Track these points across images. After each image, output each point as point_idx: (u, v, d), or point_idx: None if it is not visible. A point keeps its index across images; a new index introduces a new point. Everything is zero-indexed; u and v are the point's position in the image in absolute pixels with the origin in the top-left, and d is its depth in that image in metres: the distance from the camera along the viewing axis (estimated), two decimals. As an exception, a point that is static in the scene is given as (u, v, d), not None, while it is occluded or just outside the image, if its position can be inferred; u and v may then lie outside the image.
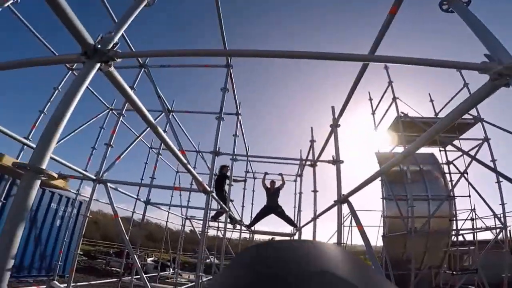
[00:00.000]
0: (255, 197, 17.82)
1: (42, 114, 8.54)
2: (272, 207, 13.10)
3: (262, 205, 13.45)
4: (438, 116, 12.39)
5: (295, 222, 13.67)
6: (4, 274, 1.71)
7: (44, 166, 1.91)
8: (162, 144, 10.44)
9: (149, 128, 9.69)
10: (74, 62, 2.20)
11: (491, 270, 10.86)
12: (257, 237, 20.08)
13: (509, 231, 11.16)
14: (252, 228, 14.62)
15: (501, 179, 10.63)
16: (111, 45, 2.31)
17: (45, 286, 10.05)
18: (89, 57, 2.18)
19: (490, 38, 2.22)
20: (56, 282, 9.83)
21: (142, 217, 11.44)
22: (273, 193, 13.27)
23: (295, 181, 15.86)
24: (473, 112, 11.37)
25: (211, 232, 17.69)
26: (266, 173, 14.06)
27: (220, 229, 15.16)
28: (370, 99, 13.12)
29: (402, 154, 3.53)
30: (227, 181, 11.38)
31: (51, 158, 7.17)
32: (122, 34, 2.66)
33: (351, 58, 2.74)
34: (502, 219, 10.47)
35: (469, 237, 12.52)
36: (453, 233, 11.64)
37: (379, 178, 11.86)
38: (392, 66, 11.17)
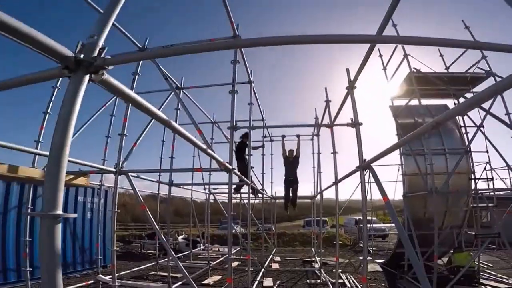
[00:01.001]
0: (274, 160, 17.88)
1: (47, 115, 8.47)
2: (292, 181, 13.19)
3: (282, 168, 13.48)
4: (449, 71, 12.04)
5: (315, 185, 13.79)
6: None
7: (59, 210, 1.80)
8: (178, 118, 10.34)
9: (163, 105, 9.61)
10: (56, 78, 1.86)
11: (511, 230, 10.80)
12: (278, 201, 20.30)
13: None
14: (274, 194, 14.79)
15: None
16: (96, 52, 1.96)
17: (92, 281, 10.34)
18: (72, 70, 1.85)
19: None
20: (102, 276, 10.04)
21: (168, 197, 11.40)
22: (291, 162, 13.23)
23: (312, 140, 15.81)
24: (485, 66, 11.06)
25: (234, 201, 17.84)
26: (283, 136, 13.59)
27: (243, 199, 15.19)
28: (381, 55, 12.73)
29: (429, 124, 3.24)
30: (247, 151, 11.31)
31: (68, 160, 7.15)
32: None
33: (360, 40, 2.52)
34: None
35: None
36: (473, 193, 11.39)
37: (396, 133, 11.74)
38: (400, 23, 10.94)
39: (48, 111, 8.54)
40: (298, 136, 13.42)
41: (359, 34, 2.42)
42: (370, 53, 4.60)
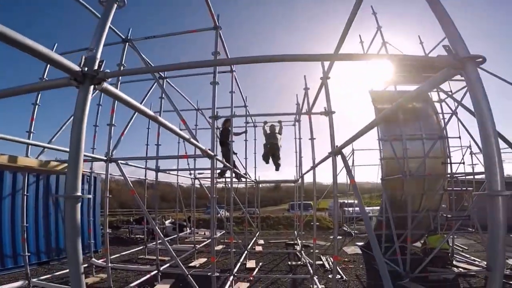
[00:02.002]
0: (257, 146, 17.91)
1: (36, 106, 8.67)
2: (273, 144, 13.05)
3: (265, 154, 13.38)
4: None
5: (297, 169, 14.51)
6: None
7: (79, 193, 2.29)
8: (162, 107, 10.68)
9: (147, 96, 9.92)
10: (65, 86, 2.34)
11: (486, 213, 11.08)
12: (262, 185, 20.66)
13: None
14: (257, 179, 15.08)
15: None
16: (96, 65, 2.42)
17: (86, 265, 10.57)
18: (80, 82, 2.31)
19: (451, 28, 2.41)
20: (95, 259, 10.42)
21: (155, 183, 11.69)
22: (273, 135, 13.22)
23: (294, 125, 16.09)
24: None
25: (219, 185, 18.13)
26: (265, 122, 13.85)
27: (227, 183, 15.59)
28: (361, 42, 12.86)
29: (378, 117, 3.79)
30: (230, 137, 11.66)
31: (61, 150, 7.53)
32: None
33: (321, 59, 3.10)
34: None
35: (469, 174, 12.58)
36: (448, 176, 11.74)
37: (374, 117, 11.96)
38: (381, 12, 11.13)
39: (37, 102, 8.73)
40: (280, 122, 13.68)
41: (319, 53, 2.94)
42: (340, 46, 4.95)
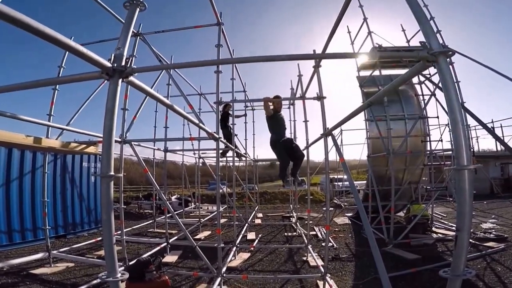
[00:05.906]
0: (255, 127, 18.16)
1: (56, 91, 8.68)
2: (289, 142, 8.76)
3: (263, 133, 10.04)
4: (410, 45, 12.27)
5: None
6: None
7: (112, 172, 2.51)
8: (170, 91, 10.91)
9: (156, 83, 10.13)
10: (97, 79, 2.65)
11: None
12: (259, 163, 20.89)
13: (472, 150, 11.43)
14: (256, 157, 14.66)
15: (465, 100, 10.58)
16: (123, 62, 2.62)
17: (100, 238, 10.73)
18: (110, 76, 2.53)
19: (426, 25, 2.59)
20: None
21: (164, 162, 11.86)
22: (281, 118, 8.79)
23: (289, 108, 16.20)
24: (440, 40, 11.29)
25: (221, 163, 18.36)
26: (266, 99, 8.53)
27: (228, 162, 15.83)
28: (349, 32, 12.88)
29: (364, 104, 4.02)
30: (231, 119, 12.02)
31: (80, 133, 7.73)
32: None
33: (308, 58, 3.37)
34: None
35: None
36: (428, 153, 12.06)
37: (362, 101, 12.03)
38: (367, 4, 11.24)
39: (57, 88, 8.79)
40: (279, 96, 8.62)
41: (310, 53, 3.17)
42: (331, 38, 5.09)
